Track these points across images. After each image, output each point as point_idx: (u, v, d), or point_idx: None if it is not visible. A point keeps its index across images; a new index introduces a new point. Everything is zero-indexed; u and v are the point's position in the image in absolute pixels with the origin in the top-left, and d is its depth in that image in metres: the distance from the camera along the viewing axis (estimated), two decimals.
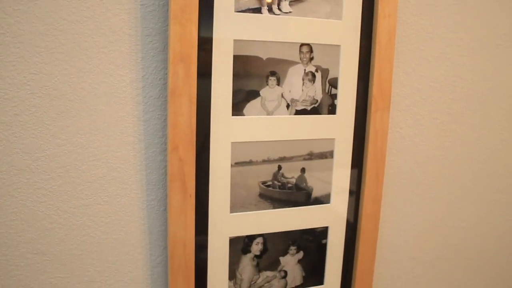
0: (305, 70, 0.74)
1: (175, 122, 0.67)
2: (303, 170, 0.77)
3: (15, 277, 0.68)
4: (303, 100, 0.75)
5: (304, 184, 0.78)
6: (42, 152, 0.66)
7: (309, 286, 0.83)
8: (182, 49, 0.65)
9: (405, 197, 0.92)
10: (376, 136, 0.80)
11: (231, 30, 0.68)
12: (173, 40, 0.64)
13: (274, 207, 0.77)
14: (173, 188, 0.68)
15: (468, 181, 0.98)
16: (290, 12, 0.71)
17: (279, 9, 0.70)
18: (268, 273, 0.79)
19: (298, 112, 0.75)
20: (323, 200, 0.80)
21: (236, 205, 0.74)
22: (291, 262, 0.80)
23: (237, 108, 0.71)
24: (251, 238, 0.76)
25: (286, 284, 0.81)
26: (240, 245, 0.76)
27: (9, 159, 0.65)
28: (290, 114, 0.74)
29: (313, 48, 0.73)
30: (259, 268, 0.78)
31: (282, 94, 0.73)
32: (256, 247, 0.77)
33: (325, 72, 0.75)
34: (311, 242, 0.81)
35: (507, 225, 1.05)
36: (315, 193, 0.79)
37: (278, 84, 0.72)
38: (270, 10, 0.70)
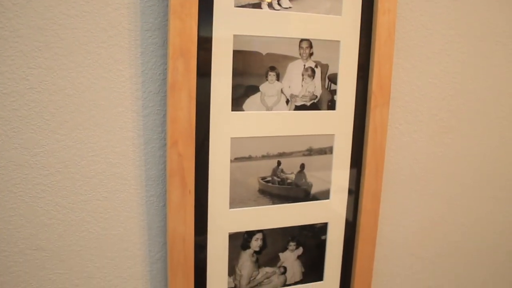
0: (304, 65, 0.74)
1: (175, 116, 0.66)
2: (302, 166, 0.77)
3: (14, 273, 0.68)
4: (302, 95, 0.75)
5: (304, 180, 0.78)
6: (41, 147, 0.66)
7: (309, 282, 0.83)
8: (182, 44, 0.65)
9: (405, 194, 0.92)
10: (376, 132, 0.80)
11: (231, 25, 0.68)
12: (173, 34, 0.64)
13: (274, 203, 0.77)
14: (173, 183, 0.68)
15: (468, 178, 0.98)
16: (290, 7, 0.71)
17: (279, 4, 0.70)
18: (268, 269, 0.79)
19: (297, 108, 0.75)
20: (323, 196, 0.80)
21: (236, 201, 0.74)
22: (290, 258, 0.80)
23: (237, 104, 0.71)
24: (250, 234, 0.76)
25: (285, 280, 0.81)
26: (239, 241, 0.76)
27: (7, 154, 0.65)
28: (289, 110, 0.74)
29: (313, 44, 0.73)
30: (258, 264, 0.78)
31: (281, 90, 0.73)
32: (256, 243, 0.77)
33: (324, 68, 0.75)
34: (311, 238, 0.81)
35: (506, 222, 1.05)
36: (315, 189, 0.79)
37: (278, 80, 0.72)
38: (270, 5, 0.70)
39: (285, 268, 0.80)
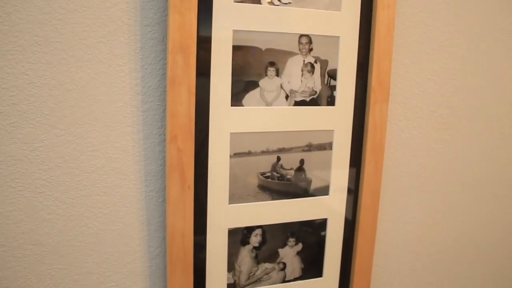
0: (304, 61, 0.74)
1: (174, 111, 0.66)
2: (302, 161, 0.77)
3: (13, 268, 0.68)
4: (302, 91, 0.75)
5: (303, 175, 0.78)
6: (41, 142, 0.66)
7: (308, 278, 0.83)
8: (182, 39, 0.65)
9: (404, 190, 0.92)
10: (375, 128, 0.80)
11: (231, 20, 0.68)
12: (172, 29, 0.64)
13: (273, 199, 0.77)
14: (172, 178, 0.68)
15: (467, 174, 0.98)
16: (289, 3, 0.71)
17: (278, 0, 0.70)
18: (267, 265, 0.79)
19: (297, 103, 0.75)
20: (322, 192, 0.80)
21: (235, 196, 0.74)
22: (290, 254, 0.80)
23: (236, 99, 0.71)
24: (250, 230, 0.76)
25: (284, 276, 0.81)
26: (239, 237, 0.76)
27: (7, 149, 0.65)
28: (289, 105, 0.74)
29: (312, 39, 0.73)
30: (258, 260, 0.78)
31: (281, 85, 0.73)
32: (255, 239, 0.77)
33: (324, 64, 0.75)
34: (310, 234, 0.81)
35: (506, 219, 1.05)
36: (314, 185, 0.79)
37: (277, 75, 0.72)
38: (269, 1, 0.70)
39: (284, 264, 0.80)
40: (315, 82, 0.75)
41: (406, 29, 0.85)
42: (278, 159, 0.75)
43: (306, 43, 0.73)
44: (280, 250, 0.80)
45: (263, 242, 0.78)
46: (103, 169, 0.70)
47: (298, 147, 0.76)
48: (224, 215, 0.74)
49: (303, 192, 0.79)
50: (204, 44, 0.67)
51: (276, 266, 0.80)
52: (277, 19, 0.71)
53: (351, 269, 0.85)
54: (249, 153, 0.73)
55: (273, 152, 0.75)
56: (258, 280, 0.79)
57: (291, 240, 0.80)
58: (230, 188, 0.73)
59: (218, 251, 0.75)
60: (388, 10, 0.76)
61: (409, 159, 0.91)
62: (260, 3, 0.69)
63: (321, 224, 0.81)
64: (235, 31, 0.69)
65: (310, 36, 0.73)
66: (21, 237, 0.68)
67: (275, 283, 0.80)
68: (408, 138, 0.90)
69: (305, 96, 0.75)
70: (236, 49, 0.69)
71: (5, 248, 0.67)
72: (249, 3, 0.69)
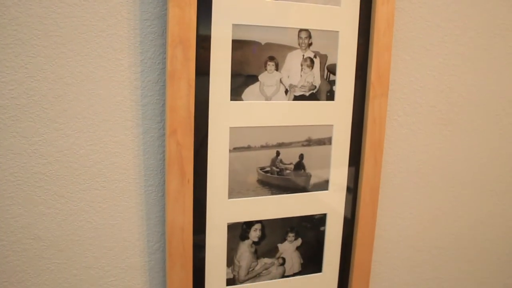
0: (303, 55, 0.74)
1: (174, 105, 0.66)
2: (301, 156, 0.77)
3: (11, 262, 0.68)
4: (301, 85, 0.75)
5: (302, 170, 0.78)
6: (40, 136, 0.66)
7: (308, 274, 0.83)
8: (181, 32, 0.65)
9: (403, 186, 0.92)
10: (374, 123, 0.80)
11: (230, 15, 0.68)
12: (172, 22, 0.64)
13: (273, 193, 0.77)
14: (171, 172, 0.68)
15: (466, 170, 0.98)
16: None
17: None
18: (266, 260, 0.79)
19: (296, 98, 0.75)
20: (321, 187, 0.80)
21: (234, 191, 0.74)
22: (289, 249, 0.80)
23: (236, 93, 0.71)
24: (249, 225, 0.76)
25: (284, 271, 0.81)
26: (238, 232, 0.76)
27: (6, 143, 0.64)
28: (288, 100, 0.74)
29: (312, 34, 0.73)
30: (257, 255, 0.78)
31: (280, 80, 0.73)
32: (254, 234, 0.77)
33: (323, 58, 0.75)
34: (309, 229, 0.81)
35: (505, 214, 1.05)
36: (313, 180, 0.79)
37: (277, 70, 0.72)
38: None
39: (284, 259, 0.80)
40: (315, 77, 0.75)
41: (405, 25, 0.85)
42: (278, 153, 0.75)
43: (306, 37, 0.73)
44: (279, 245, 0.79)
45: (262, 237, 0.78)
46: (102, 163, 0.70)
47: (298, 142, 0.76)
48: (223, 210, 0.74)
49: (303, 187, 0.79)
50: (203, 39, 0.67)
51: (276, 261, 0.80)
52: (277, 13, 0.70)
53: (350, 264, 0.85)
54: (248, 148, 0.73)
55: (273, 146, 0.75)
56: (258, 275, 0.79)
57: (291, 235, 0.80)
58: (229, 182, 0.73)
59: (217, 246, 0.75)
60: (388, 5, 0.76)
61: (408, 155, 0.91)
62: None
63: (321, 219, 0.81)
64: (234, 26, 0.68)
65: (310, 30, 0.73)
66: (20, 231, 0.67)
67: (275, 278, 0.80)
68: (408, 134, 0.90)
69: (305, 91, 0.75)
70: (235, 43, 0.69)
71: (4, 242, 0.67)
72: None
